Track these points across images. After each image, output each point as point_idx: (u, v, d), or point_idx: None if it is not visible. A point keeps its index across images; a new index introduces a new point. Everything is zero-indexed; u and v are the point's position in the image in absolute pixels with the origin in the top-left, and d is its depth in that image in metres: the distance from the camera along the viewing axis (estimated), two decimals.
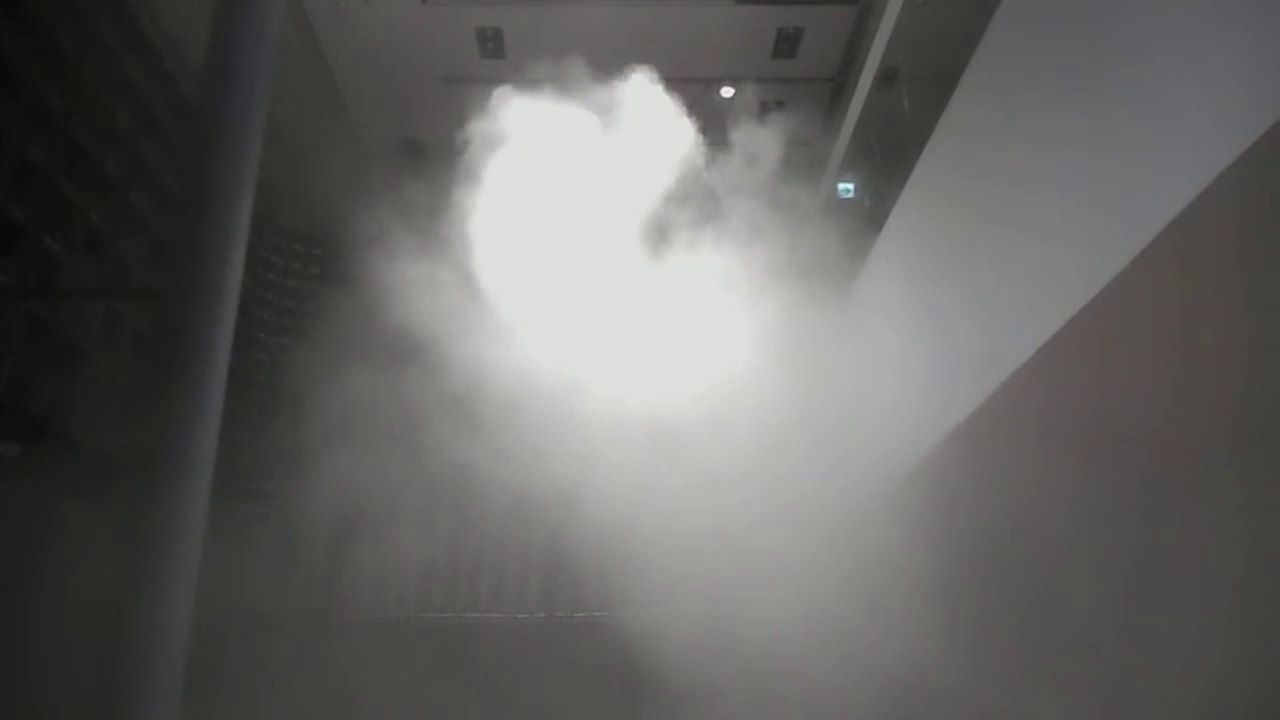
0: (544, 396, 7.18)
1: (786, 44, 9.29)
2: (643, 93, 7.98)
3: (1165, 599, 3.45)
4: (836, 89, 9.82)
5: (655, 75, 8.06)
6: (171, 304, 5.52)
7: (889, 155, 8.00)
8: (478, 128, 7.75)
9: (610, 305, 7.50)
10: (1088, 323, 3.95)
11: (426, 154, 10.18)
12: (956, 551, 5.40)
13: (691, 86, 9.77)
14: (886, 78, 8.29)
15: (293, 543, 9.13)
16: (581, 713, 7.55)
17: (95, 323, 7.20)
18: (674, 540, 6.75)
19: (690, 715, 6.70)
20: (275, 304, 10.25)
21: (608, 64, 9.26)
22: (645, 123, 7.91)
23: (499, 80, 8.14)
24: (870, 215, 8.45)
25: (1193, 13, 3.29)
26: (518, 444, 6.99)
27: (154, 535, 4.93)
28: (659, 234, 7.76)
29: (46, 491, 6.22)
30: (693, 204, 7.90)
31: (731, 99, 9.95)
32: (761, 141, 8.16)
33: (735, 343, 7.29)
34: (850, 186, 9.73)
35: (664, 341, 7.43)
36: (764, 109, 10.01)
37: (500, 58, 9.30)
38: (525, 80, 7.85)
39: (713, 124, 9.35)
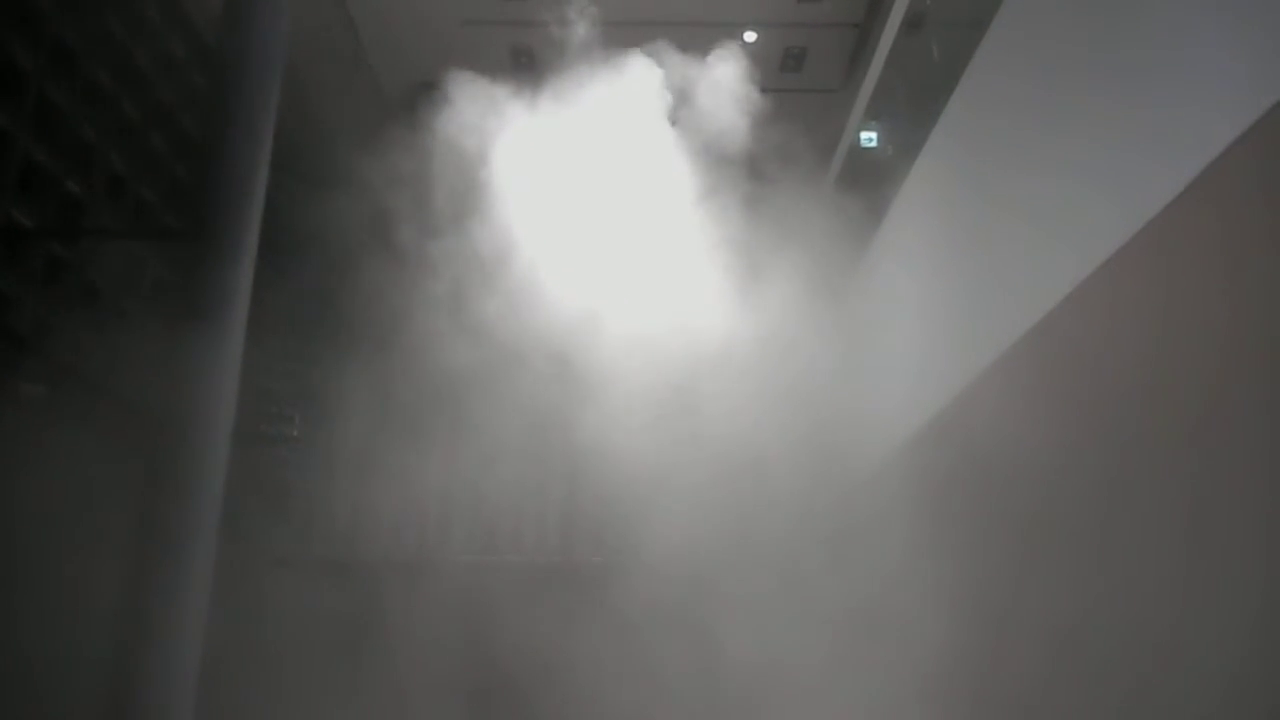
0: (562, 344, 7.19)
1: None
2: (665, 37, 7.86)
3: (1156, 573, 3.49)
4: (862, 35, 9.64)
5: (679, 18, 7.91)
6: (192, 247, 5.55)
7: (915, 103, 7.87)
8: (498, 76, 7.68)
9: (626, 257, 7.47)
10: (1112, 274, 3.91)
11: (446, 98, 10.11)
12: (960, 512, 5.43)
13: (715, 31, 9.64)
14: (913, 24, 8.12)
15: (313, 485, 9.23)
16: (599, 653, 7.66)
17: (116, 265, 7.25)
18: (688, 487, 6.82)
19: (699, 652, 6.79)
20: (294, 246, 10.23)
21: (628, 6, 9.14)
22: (664, 70, 7.80)
23: (521, 23, 8.04)
24: (894, 165, 8.34)
25: None
26: (536, 393, 7.03)
27: (176, 477, 5.01)
28: (676, 189, 7.69)
29: (70, 433, 6.30)
30: (712, 156, 7.81)
31: (754, 44, 9.80)
32: (783, 89, 8.04)
33: (754, 293, 7.27)
34: (874, 135, 9.58)
35: (681, 291, 7.40)
36: (788, 54, 9.88)
37: (521, 0, 9.18)
38: (547, 22, 7.75)
39: (735, 69, 9.24)
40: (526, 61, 9.62)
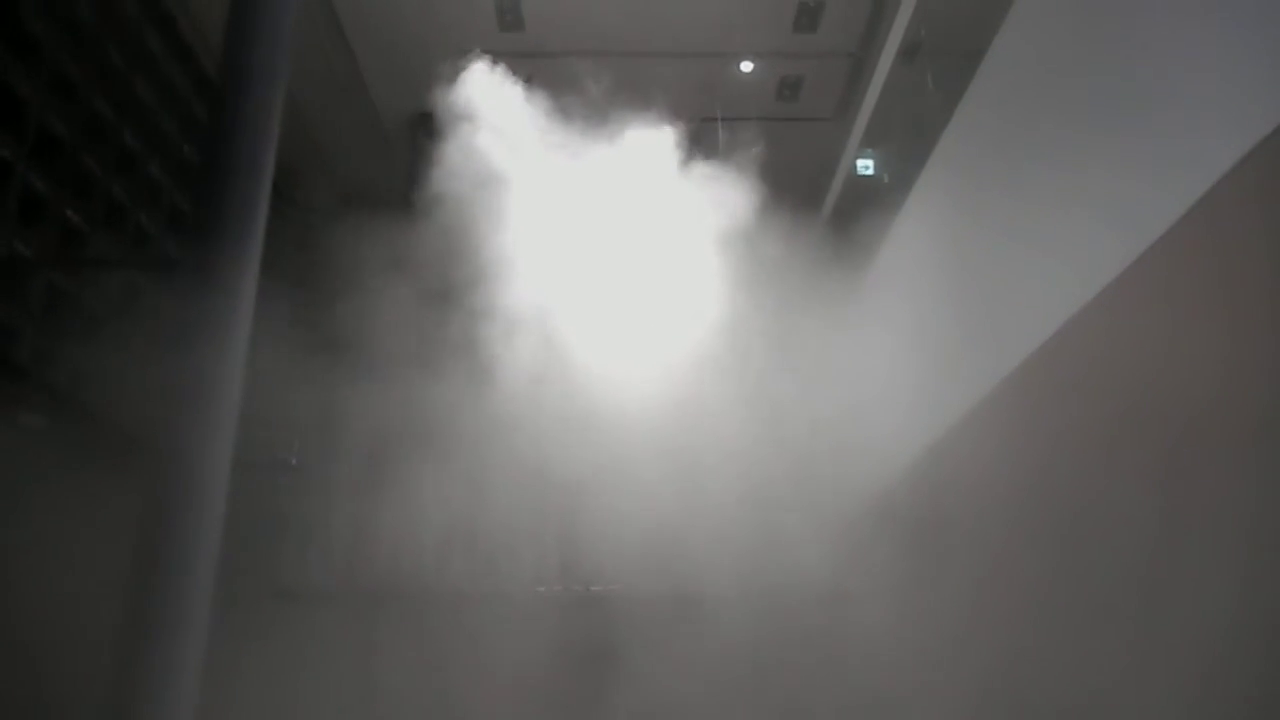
0: (560, 373, 7.20)
1: (807, 17, 9.19)
2: (660, 69, 7.93)
3: (1173, 583, 3.47)
4: (857, 64, 9.73)
5: (677, 50, 7.98)
6: (192, 275, 5.56)
7: (911, 132, 7.94)
8: (494, 101, 7.73)
9: (625, 285, 7.49)
10: (1108, 303, 3.93)
11: (443, 127, 10.18)
12: (965, 532, 5.42)
13: (711, 61, 9.73)
14: (909, 53, 8.20)
15: (313, 514, 9.19)
16: (599, 682, 7.61)
17: (116, 294, 7.26)
18: (682, 517, 6.81)
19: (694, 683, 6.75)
20: (294, 276, 10.25)
21: (625, 37, 9.22)
22: (661, 101, 7.86)
23: (518, 53, 8.10)
24: (890, 192, 8.39)
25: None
26: (536, 421, 7.02)
27: (175, 507, 4.99)
28: (672, 218, 7.72)
29: (70, 462, 6.29)
30: (707, 181, 7.86)
31: (751, 73, 9.89)
32: (780, 117, 8.10)
33: (752, 319, 7.29)
34: (870, 164, 9.65)
35: (680, 318, 7.42)
36: (783, 83, 9.96)
37: (519, 30, 9.26)
38: (543, 53, 7.82)
39: (731, 99, 9.32)
40: (524, 91, 9.71)
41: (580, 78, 7.74)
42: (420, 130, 10.37)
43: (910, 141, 7.59)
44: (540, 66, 8.85)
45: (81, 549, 5.77)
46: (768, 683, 6.57)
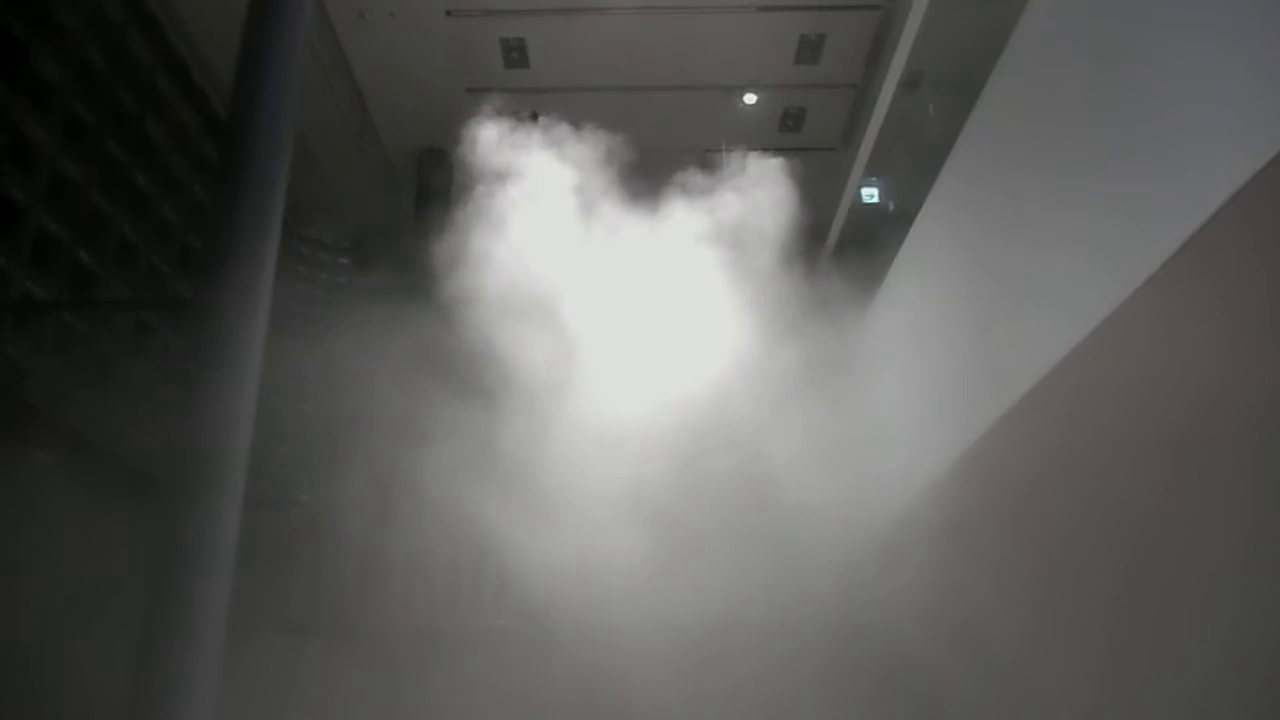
0: (569, 395, 7.22)
1: (809, 50, 9.29)
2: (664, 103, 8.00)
3: (1177, 602, 3.48)
4: (860, 95, 9.83)
5: (680, 83, 8.06)
6: (203, 314, 5.61)
7: (915, 161, 7.99)
8: (501, 141, 7.80)
9: (625, 314, 7.52)
10: (1111, 333, 3.94)
11: (450, 164, 10.27)
12: (975, 559, 5.41)
13: (715, 94, 9.83)
14: (910, 83, 8.28)
15: (323, 551, 9.20)
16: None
17: (127, 333, 7.32)
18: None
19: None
20: (303, 314, 10.34)
21: (629, 72, 9.33)
22: (665, 134, 7.94)
23: (524, 90, 8.20)
24: (896, 220, 8.43)
25: (1214, 25, 3.31)
26: (541, 452, 7.03)
27: (187, 545, 5.00)
28: (676, 249, 7.76)
29: (81, 500, 6.32)
30: (712, 212, 7.91)
31: (754, 105, 9.99)
32: (784, 148, 8.16)
33: (755, 347, 7.31)
34: (874, 192, 9.71)
35: (690, 350, 7.44)
36: (787, 114, 10.05)
37: (524, 67, 9.38)
38: (549, 89, 7.90)
39: (735, 131, 9.39)
40: (530, 126, 9.81)
41: (585, 112, 7.82)
42: (427, 166, 10.50)
43: (915, 170, 7.64)
44: (546, 102, 8.95)
45: (93, 586, 5.79)
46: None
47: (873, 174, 9.59)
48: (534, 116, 8.19)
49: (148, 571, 4.96)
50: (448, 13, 8.81)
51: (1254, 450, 3.04)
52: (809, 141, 10.27)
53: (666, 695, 6.56)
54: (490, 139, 7.77)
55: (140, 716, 4.69)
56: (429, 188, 10.26)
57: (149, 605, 4.88)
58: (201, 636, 4.89)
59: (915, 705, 6.07)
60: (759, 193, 7.85)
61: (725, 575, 6.81)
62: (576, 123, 7.90)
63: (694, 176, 7.92)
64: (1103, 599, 3.95)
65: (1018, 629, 4.85)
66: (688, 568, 6.81)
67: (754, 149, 8.79)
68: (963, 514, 5.63)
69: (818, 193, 8.21)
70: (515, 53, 9.27)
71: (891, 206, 9.50)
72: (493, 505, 7.11)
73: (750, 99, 9.92)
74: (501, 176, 7.75)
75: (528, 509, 7.11)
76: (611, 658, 6.79)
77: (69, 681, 5.43)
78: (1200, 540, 3.31)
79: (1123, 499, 3.85)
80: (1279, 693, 2.92)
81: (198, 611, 4.92)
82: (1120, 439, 3.89)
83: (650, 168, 7.64)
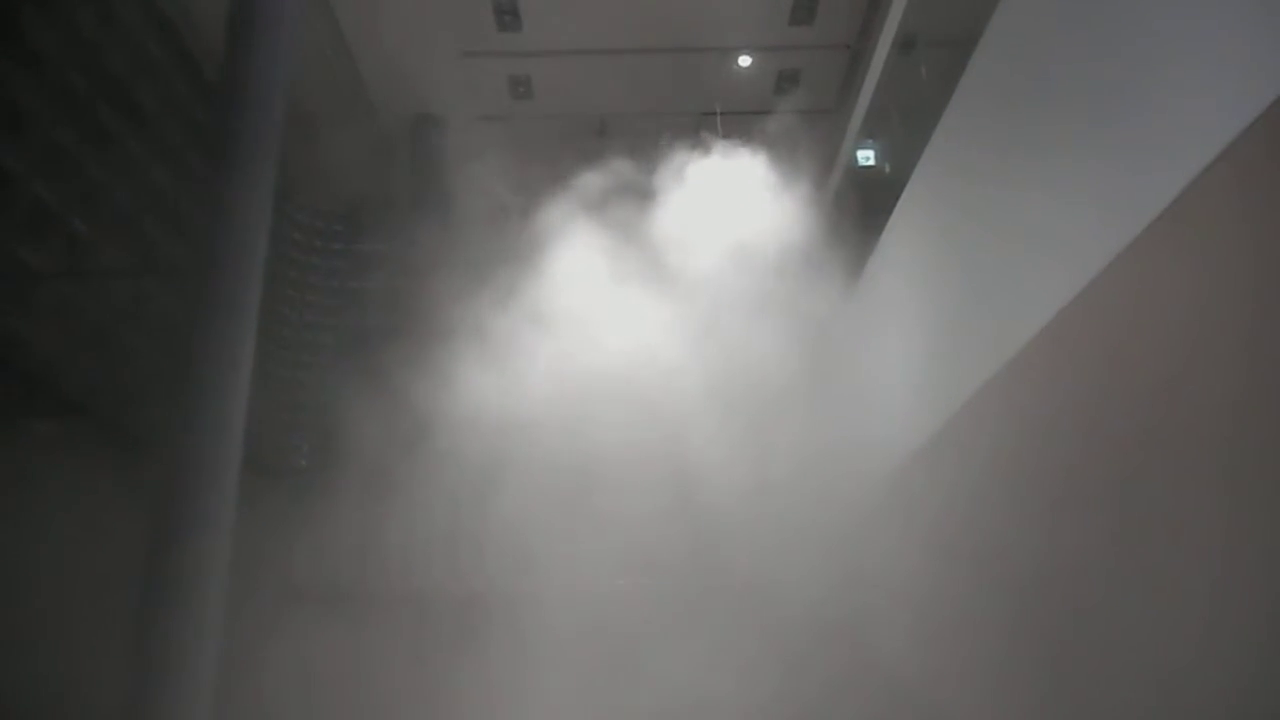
0: (560, 369, 7.25)
1: (803, 10, 9.21)
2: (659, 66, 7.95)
3: (1144, 590, 3.56)
4: (855, 56, 9.75)
5: (675, 45, 7.99)
6: (197, 283, 5.61)
7: (910, 121, 7.95)
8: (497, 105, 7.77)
9: (624, 283, 7.54)
10: (1099, 294, 3.97)
11: (444, 128, 10.20)
12: (945, 538, 5.50)
13: (710, 56, 9.76)
14: (905, 44, 8.21)
15: (322, 516, 9.24)
16: (606, 676, 7.65)
17: (124, 302, 7.30)
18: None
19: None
20: (299, 281, 10.31)
21: (623, 36, 9.25)
22: (660, 97, 7.90)
23: (516, 53, 8.12)
24: (891, 182, 8.41)
25: None
26: (539, 415, 7.07)
27: (186, 511, 5.05)
28: (676, 212, 7.76)
29: (81, 468, 6.34)
30: (708, 175, 7.90)
31: (749, 67, 9.92)
32: (779, 110, 8.12)
33: (755, 311, 7.33)
34: (870, 154, 9.67)
35: (683, 312, 7.46)
36: (782, 76, 9.99)
37: (517, 31, 9.29)
38: (542, 53, 7.83)
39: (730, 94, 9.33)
40: (524, 91, 9.74)
41: (579, 76, 7.78)
42: (420, 131, 10.42)
43: (910, 131, 7.61)
44: (539, 66, 8.90)
45: (94, 553, 5.83)
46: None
47: (868, 136, 9.56)
48: (527, 84, 8.14)
49: (147, 537, 5.01)
50: None
51: (1234, 397, 3.09)
52: (804, 104, 10.20)
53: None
54: (480, 105, 7.75)
55: (141, 680, 4.76)
56: (423, 154, 10.21)
57: (148, 570, 4.94)
58: (202, 604, 4.95)
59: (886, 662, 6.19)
60: (752, 157, 7.84)
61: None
62: (569, 87, 7.87)
63: (687, 140, 7.91)
64: (1102, 535, 3.98)
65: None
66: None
67: (749, 111, 8.77)
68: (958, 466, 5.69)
69: (813, 155, 8.18)
70: (508, 15, 9.18)
71: (888, 169, 9.46)
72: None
73: (745, 61, 9.84)
74: (496, 144, 7.73)
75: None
76: None
77: (69, 648, 5.49)
78: (1189, 474, 3.35)
79: (1111, 454, 3.89)
80: (1255, 641, 2.98)
81: (198, 578, 4.98)
82: (1109, 394, 3.92)
83: (643, 132, 7.62)
